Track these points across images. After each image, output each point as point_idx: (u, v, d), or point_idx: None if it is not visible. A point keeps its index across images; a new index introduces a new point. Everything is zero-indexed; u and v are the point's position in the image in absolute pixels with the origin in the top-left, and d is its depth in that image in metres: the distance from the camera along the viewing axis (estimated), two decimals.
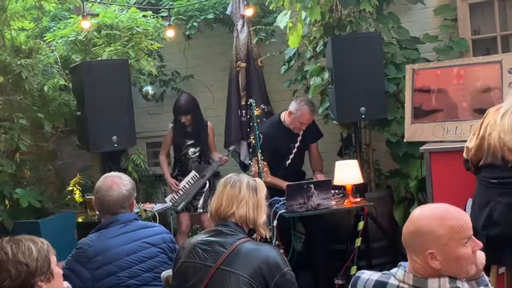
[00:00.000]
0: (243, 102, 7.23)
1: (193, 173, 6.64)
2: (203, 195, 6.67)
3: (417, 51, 6.22)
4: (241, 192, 3.19)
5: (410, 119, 5.32)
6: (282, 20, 6.04)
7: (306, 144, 6.29)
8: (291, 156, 6.17)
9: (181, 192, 6.62)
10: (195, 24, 7.42)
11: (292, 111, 6.00)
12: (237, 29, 7.23)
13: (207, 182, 6.68)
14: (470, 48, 5.98)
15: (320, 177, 6.01)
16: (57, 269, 2.63)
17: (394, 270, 2.48)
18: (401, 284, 2.40)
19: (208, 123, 6.83)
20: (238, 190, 3.20)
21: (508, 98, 4.13)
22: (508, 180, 3.92)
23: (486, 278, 2.56)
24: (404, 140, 5.44)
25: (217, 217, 3.21)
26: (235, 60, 7.26)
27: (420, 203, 5.51)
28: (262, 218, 3.22)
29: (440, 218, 2.36)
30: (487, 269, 3.09)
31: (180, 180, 6.68)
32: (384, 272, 2.53)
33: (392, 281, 2.44)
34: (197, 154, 6.68)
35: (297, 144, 6.17)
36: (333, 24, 6.11)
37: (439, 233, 2.33)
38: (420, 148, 5.07)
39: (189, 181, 6.62)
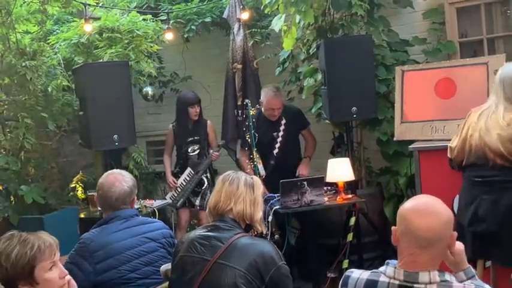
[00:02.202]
0: (239, 103, 7.18)
1: (188, 170, 6.61)
2: (201, 193, 6.64)
3: (406, 54, 6.22)
4: (239, 189, 3.19)
5: (400, 119, 5.32)
6: (277, 24, 6.03)
7: (291, 133, 6.25)
8: (277, 145, 6.15)
9: (179, 189, 6.60)
10: (193, 27, 7.41)
11: (261, 100, 6.11)
12: (233, 32, 7.20)
13: (205, 180, 6.67)
14: (457, 51, 5.98)
15: (302, 168, 6.08)
16: (49, 277, 2.61)
17: (382, 268, 2.46)
18: (392, 281, 2.38)
19: (208, 122, 6.79)
20: (236, 187, 3.19)
21: (489, 98, 4.12)
22: (491, 179, 3.93)
23: (473, 269, 2.57)
24: (394, 138, 5.41)
25: (215, 212, 3.20)
26: (232, 62, 7.22)
27: None
28: (259, 214, 3.22)
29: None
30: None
31: (180, 177, 6.68)
32: (373, 270, 2.51)
33: (382, 278, 2.41)
34: (197, 152, 6.64)
35: (280, 133, 6.17)
36: (326, 27, 6.11)
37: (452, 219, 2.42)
38: (409, 146, 5.06)
39: (185, 178, 6.59)
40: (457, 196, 4.29)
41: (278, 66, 6.78)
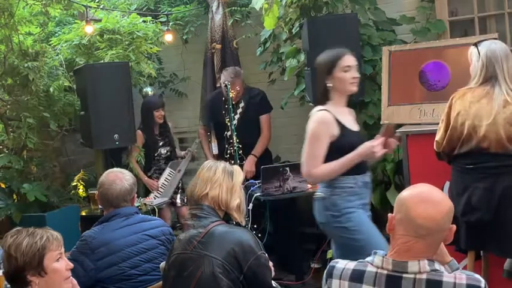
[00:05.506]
0: (218, 84, 6.79)
1: (168, 170, 6.54)
2: (179, 190, 6.64)
3: (394, 33, 5.90)
4: (216, 174, 3.13)
5: (387, 101, 5.06)
6: (258, 1, 5.45)
7: (249, 117, 6.03)
8: (232, 128, 5.76)
9: (161, 190, 6.50)
10: (191, 29, 7.33)
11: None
12: (212, 11, 6.90)
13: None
14: (447, 30, 5.68)
15: (246, 166, 5.81)
16: (57, 266, 2.66)
17: (369, 258, 2.34)
18: (379, 271, 2.26)
19: (170, 124, 6.78)
20: (213, 173, 3.14)
21: (474, 81, 3.86)
22: (484, 165, 3.73)
23: (456, 262, 2.49)
24: (381, 122, 5.05)
25: (192, 199, 3.15)
26: (211, 42, 6.93)
27: (397, 186, 5.31)
28: (235, 201, 3.13)
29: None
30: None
31: (156, 179, 6.57)
32: (359, 260, 2.38)
33: (370, 268, 2.29)
34: (168, 154, 6.63)
35: (237, 116, 6.02)
36: (309, 5, 5.72)
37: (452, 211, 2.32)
38: (397, 130, 4.61)
39: (166, 178, 6.52)
40: (447, 182, 4.13)
41: (259, 46, 6.42)
